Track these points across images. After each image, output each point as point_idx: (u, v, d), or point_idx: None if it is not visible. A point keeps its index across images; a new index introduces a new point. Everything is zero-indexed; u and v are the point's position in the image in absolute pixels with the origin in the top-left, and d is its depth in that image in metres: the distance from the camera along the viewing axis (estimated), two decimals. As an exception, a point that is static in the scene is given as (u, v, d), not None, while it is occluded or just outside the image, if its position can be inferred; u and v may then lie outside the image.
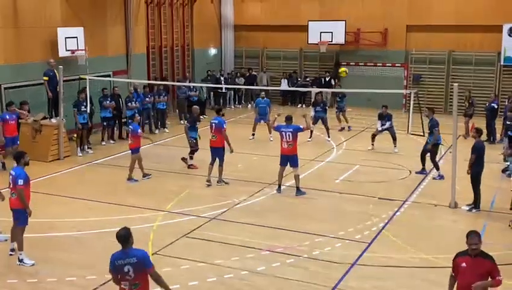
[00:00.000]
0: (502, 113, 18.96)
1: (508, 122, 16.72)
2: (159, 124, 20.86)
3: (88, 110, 17.44)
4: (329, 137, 19.23)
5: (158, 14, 23.66)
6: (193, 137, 15.71)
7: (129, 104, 19.24)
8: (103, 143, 18.70)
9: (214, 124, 14.24)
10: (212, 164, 14.24)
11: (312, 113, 19.37)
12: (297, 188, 13.49)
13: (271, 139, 18.69)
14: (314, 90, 25.37)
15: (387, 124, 17.76)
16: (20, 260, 9.79)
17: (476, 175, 12.31)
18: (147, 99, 20.10)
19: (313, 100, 20.95)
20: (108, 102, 18.63)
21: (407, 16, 24.85)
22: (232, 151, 14.36)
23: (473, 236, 6.70)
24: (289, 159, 13.43)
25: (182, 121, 22.38)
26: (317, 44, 25.40)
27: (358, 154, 17.31)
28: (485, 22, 23.28)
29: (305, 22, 25.54)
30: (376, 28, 25.23)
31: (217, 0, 27.57)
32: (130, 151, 14.85)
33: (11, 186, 9.77)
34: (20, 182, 9.55)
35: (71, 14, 19.23)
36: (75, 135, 17.74)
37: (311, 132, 18.89)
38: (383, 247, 10.56)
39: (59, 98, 16.90)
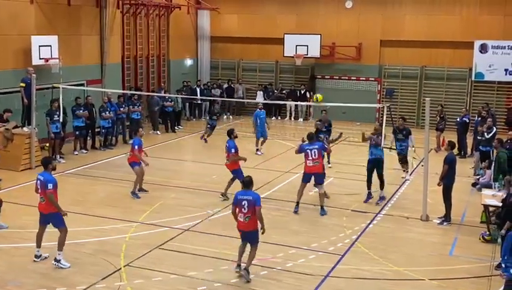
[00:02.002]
0: (472, 128, 19.30)
1: (478, 137, 17.03)
2: (133, 134, 20.71)
3: (61, 120, 17.24)
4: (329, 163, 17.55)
5: (134, 24, 23.57)
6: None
7: (103, 113, 19.09)
8: (75, 153, 18.46)
9: (226, 147, 13.89)
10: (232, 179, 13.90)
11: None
12: (322, 207, 13.06)
13: (259, 153, 18.60)
14: (290, 103, 25.59)
15: (405, 144, 15.80)
16: (58, 261, 9.81)
17: (447, 188, 12.50)
18: (121, 109, 19.97)
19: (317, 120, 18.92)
20: (81, 111, 18.45)
21: (381, 31, 25.25)
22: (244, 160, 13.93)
23: None
24: (315, 176, 13.07)
25: (153, 131, 22.17)
26: (293, 57, 25.62)
27: (332, 167, 17.41)
28: (456, 38, 23.82)
29: (281, 35, 25.75)
30: (351, 43, 25.57)
31: (194, 11, 27.63)
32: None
33: (39, 191, 9.92)
34: (50, 186, 9.77)
35: (45, 22, 19.04)
36: (47, 144, 17.50)
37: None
38: (356, 259, 10.63)
39: (31, 106, 16.68)
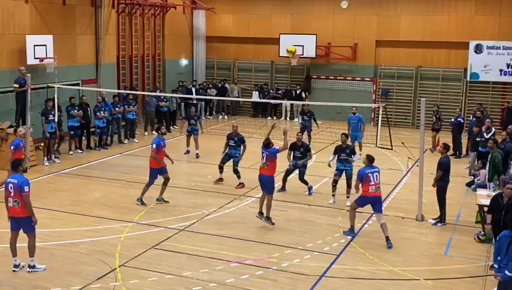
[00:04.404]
0: (467, 128, 19.34)
1: (477, 139, 16.93)
2: (128, 134, 20.68)
3: (56, 119, 17.20)
4: (310, 143, 18.06)
5: (129, 24, 23.53)
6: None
7: (98, 113, 19.05)
8: (70, 153, 18.41)
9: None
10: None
11: (300, 121, 19.86)
12: (387, 239, 11.36)
13: (359, 156, 16.94)
14: (286, 102, 25.60)
15: (350, 164, 14.17)
16: (32, 267, 9.61)
17: (441, 189, 12.48)
18: (117, 109, 19.91)
19: (300, 110, 21.81)
20: (76, 111, 18.40)
21: (376, 31, 25.29)
22: (172, 162, 13.91)
23: None
24: (378, 204, 11.53)
25: (146, 133, 22.02)
26: (288, 57, 25.60)
27: (327, 167, 17.37)
28: (452, 38, 23.89)
29: (277, 35, 25.76)
30: (346, 43, 25.59)
31: (189, 11, 27.60)
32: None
33: (11, 195, 9.41)
34: (26, 189, 9.38)
35: (40, 21, 18.98)
36: (42, 144, 17.45)
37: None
38: (351, 259, 10.64)
39: (26, 106, 16.62)
